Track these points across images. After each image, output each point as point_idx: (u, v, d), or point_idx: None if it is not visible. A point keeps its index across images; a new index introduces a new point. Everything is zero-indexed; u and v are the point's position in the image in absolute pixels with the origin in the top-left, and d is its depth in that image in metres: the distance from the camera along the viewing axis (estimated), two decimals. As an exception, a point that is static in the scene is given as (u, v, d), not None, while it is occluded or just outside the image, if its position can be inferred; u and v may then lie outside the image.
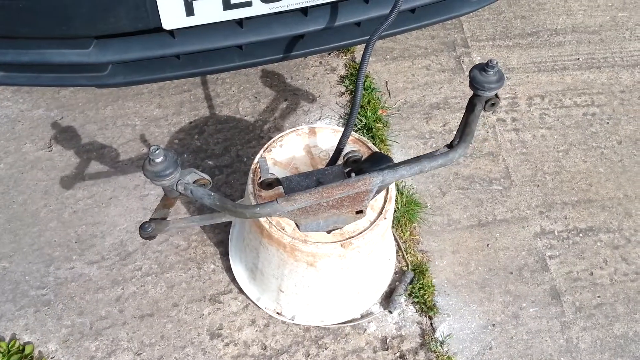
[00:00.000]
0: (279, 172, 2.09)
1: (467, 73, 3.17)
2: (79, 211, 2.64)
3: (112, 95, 2.97)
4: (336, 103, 3.02)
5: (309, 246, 1.95)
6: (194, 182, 1.81)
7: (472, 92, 1.80)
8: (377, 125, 2.89)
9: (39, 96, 2.95)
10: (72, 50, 2.15)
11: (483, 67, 1.73)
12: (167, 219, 1.83)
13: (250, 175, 2.08)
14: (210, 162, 2.79)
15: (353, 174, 1.94)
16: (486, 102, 1.84)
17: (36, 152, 2.79)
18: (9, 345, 2.28)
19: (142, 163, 1.64)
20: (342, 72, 3.13)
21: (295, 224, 1.83)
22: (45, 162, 2.77)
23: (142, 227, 1.77)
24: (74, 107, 2.93)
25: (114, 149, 2.81)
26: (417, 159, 1.78)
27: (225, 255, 2.52)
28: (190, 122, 2.91)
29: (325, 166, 2.05)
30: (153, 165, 1.64)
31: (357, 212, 1.83)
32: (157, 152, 1.61)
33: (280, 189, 1.90)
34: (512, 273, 2.58)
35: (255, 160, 2.08)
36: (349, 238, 1.98)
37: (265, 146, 2.15)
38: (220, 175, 2.76)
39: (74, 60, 2.16)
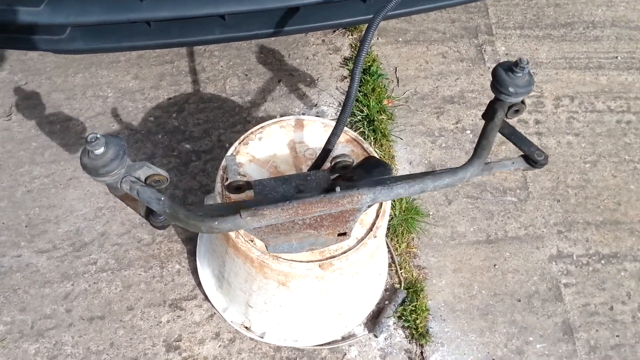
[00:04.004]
0: (255, 171, 1.77)
1: (488, 64, 2.81)
2: (33, 191, 2.33)
3: (85, 61, 2.63)
4: (336, 88, 2.67)
5: (280, 264, 1.64)
6: (146, 179, 1.47)
7: (494, 95, 1.47)
8: (380, 117, 2.54)
9: (2, 57, 2.62)
10: (21, 8, 1.82)
11: (510, 67, 1.43)
12: None
13: (220, 173, 1.76)
14: (188, 146, 2.46)
15: (338, 188, 1.59)
16: (509, 108, 1.51)
17: (-7, 119, 2.48)
18: None
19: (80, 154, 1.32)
20: (347, 53, 2.77)
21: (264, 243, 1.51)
22: (2, 131, 2.45)
23: (154, 215, 1.45)
24: (41, 72, 2.60)
25: (81, 123, 2.48)
26: (419, 175, 1.44)
27: (193, 255, 2.21)
28: (169, 99, 2.57)
29: (309, 170, 1.71)
30: (92, 158, 1.31)
31: (340, 235, 1.49)
32: (96, 141, 1.28)
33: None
34: (520, 300, 2.26)
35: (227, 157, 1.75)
36: (330, 258, 1.66)
37: (242, 138, 1.82)
38: (197, 161, 2.43)
39: (23, 20, 1.83)
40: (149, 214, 1.47)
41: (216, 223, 1.38)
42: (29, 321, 2.10)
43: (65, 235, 2.25)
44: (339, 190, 1.50)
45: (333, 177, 1.63)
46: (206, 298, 2.12)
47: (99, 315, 2.12)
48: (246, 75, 2.67)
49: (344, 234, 1.49)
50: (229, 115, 2.55)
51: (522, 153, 1.58)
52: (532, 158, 1.55)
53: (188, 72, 2.64)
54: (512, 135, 1.58)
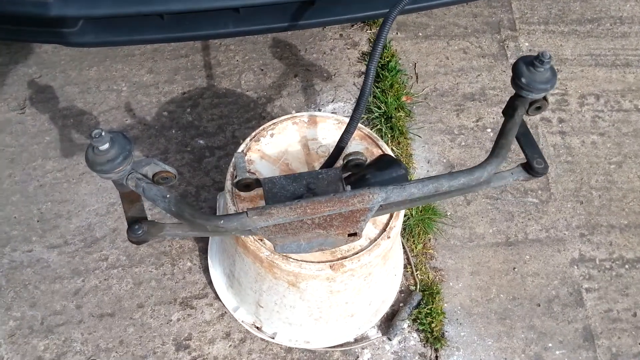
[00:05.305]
0: (266, 168, 1.72)
1: (511, 60, 2.73)
2: (45, 185, 2.31)
3: (100, 54, 2.60)
4: (354, 84, 2.61)
5: (290, 265, 1.59)
6: (154, 176, 1.42)
7: (514, 91, 1.41)
8: (398, 114, 2.48)
9: (17, 50, 2.60)
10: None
11: (531, 61, 1.35)
12: (163, 222, 1.47)
13: (230, 170, 1.71)
14: (201, 142, 2.42)
15: (349, 187, 1.54)
16: (530, 104, 1.44)
17: (7, 113, 2.46)
18: (-56, 337, 1.99)
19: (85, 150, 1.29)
20: (365, 47, 2.71)
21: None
22: (15, 125, 2.43)
23: (132, 229, 1.42)
24: (55, 65, 2.58)
25: (94, 117, 2.46)
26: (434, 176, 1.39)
27: (204, 253, 2.18)
28: (184, 93, 2.54)
29: (321, 168, 1.66)
30: (96, 154, 1.27)
31: (350, 235, 1.44)
32: (101, 137, 1.24)
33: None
34: (539, 305, 2.18)
35: (235, 154, 1.70)
36: (341, 259, 1.61)
37: (253, 134, 1.78)
38: (211, 157, 2.39)
39: (31, 12, 1.80)
40: (130, 224, 1.43)
41: (222, 222, 1.34)
42: (38, 317, 2.08)
43: (77, 231, 2.23)
44: (349, 189, 1.46)
45: (345, 175, 1.58)
46: (217, 297, 2.08)
47: (109, 312, 2.09)
48: (262, 70, 2.62)
49: (355, 234, 1.44)
50: (243, 110, 2.51)
51: (524, 161, 1.52)
52: (530, 165, 1.48)
53: (203, 66, 2.60)
54: (522, 136, 1.51)
